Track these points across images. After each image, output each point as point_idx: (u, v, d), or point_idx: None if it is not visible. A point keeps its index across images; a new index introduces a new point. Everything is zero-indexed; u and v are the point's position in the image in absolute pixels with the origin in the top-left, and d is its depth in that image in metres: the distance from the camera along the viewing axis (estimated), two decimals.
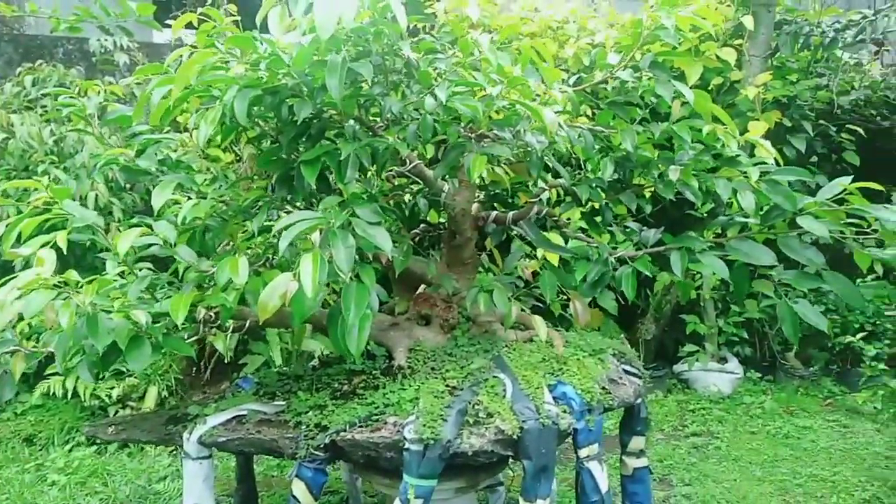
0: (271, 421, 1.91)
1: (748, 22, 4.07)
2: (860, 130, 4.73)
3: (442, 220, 2.44)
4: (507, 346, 2.02)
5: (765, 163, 1.88)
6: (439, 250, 2.18)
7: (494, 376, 1.84)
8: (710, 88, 4.34)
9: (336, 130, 1.85)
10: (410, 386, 1.83)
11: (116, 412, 3.78)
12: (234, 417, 1.93)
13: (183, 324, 1.83)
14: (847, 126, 4.75)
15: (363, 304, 1.51)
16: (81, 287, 1.46)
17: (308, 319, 1.95)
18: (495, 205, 2.33)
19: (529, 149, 1.92)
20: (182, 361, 3.97)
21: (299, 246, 1.72)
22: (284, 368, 2.29)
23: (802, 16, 4.67)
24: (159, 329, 1.64)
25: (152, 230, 1.74)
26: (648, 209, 2.21)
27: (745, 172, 1.86)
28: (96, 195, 3.58)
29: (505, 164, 2.26)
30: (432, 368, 1.94)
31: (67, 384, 3.54)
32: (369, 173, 2.03)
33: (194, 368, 3.98)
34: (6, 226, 1.58)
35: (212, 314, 1.89)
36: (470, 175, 1.66)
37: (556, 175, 2.16)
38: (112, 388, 3.75)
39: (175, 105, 1.81)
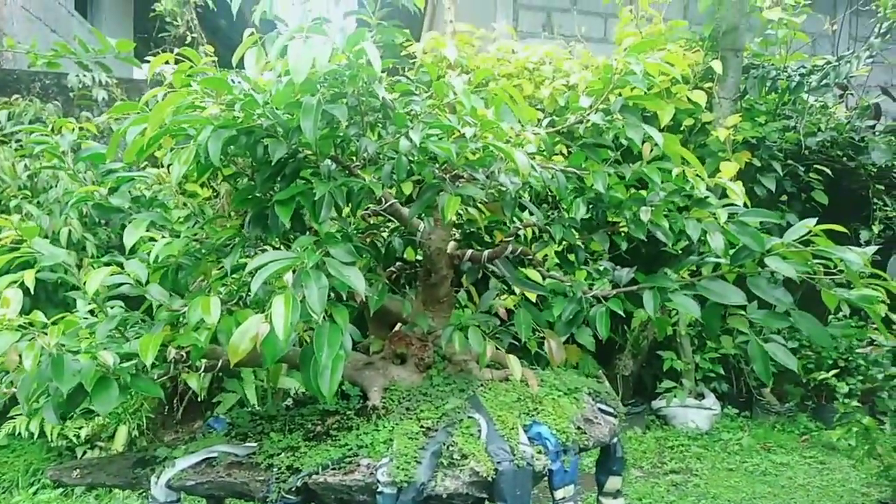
0: (242, 463, 1.87)
1: (717, 66, 4.20)
2: (827, 171, 4.87)
3: (418, 257, 2.45)
4: (482, 385, 2.01)
5: (734, 204, 1.92)
6: (415, 289, 2.18)
7: (469, 416, 1.83)
8: (682, 129, 4.46)
9: (311, 170, 1.87)
10: (384, 427, 1.81)
11: (84, 453, 3.68)
12: (204, 460, 1.89)
13: (153, 363, 1.81)
14: (815, 166, 4.88)
15: (336, 344, 1.50)
16: (47, 328, 1.43)
17: (281, 359, 1.94)
18: (472, 243, 2.34)
19: (503, 189, 1.95)
20: (154, 400, 3.88)
21: (273, 284, 1.72)
22: (258, 408, 2.25)
23: (769, 60, 4.83)
24: (127, 370, 1.61)
25: (123, 269, 1.73)
26: (624, 246, 2.25)
27: (714, 214, 1.90)
28: (69, 231, 3.54)
29: (481, 203, 2.28)
30: (407, 409, 1.92)
31: (33, 425, 3.44)
32: (345, 212, 2.03)
33: (166, 407, 3.90)
34: None
35: (183, 353, 1.86)
36: (444, 215, 1.67)
37: (532, 213, 2.19)
38: (80, 427, 3.66)
39: (150, 144, 1.82)
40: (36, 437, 3.58)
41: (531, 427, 1.83)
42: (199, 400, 3.73)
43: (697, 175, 1.91)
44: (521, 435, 1.77)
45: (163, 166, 3.17)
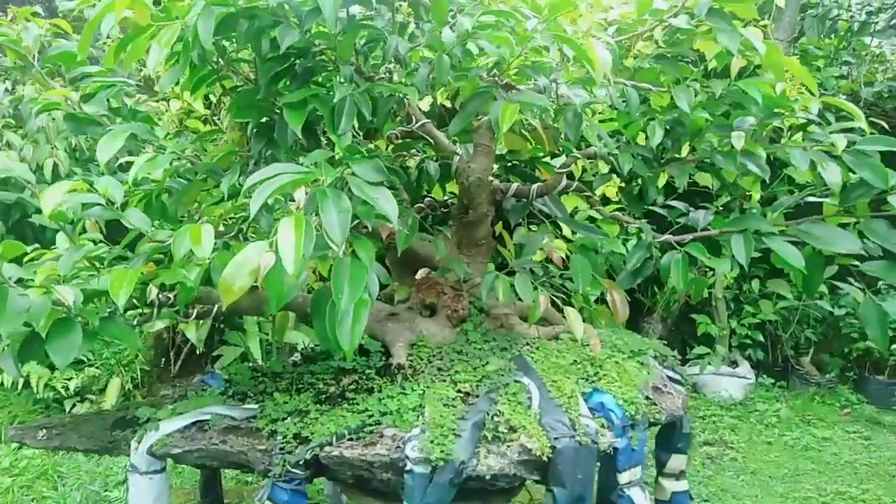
0: (240, 428, 1.56)
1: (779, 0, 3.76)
2: (883, 124, 4.45)
3: (449, 196, 2.09)
4: (528, 343, 1.68)
5: (850, 130, 1.55)
6: (448, 228, 1.83)
7: (516, 381, 1.50)
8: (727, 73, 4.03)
9: (328, 74, 1.51)
10: (413, 390, 1.49)
11: (73, 405, 3.41)
12: (194, 423, 1.58)
13: (134, 307, 1.48)
14: (870, 119, 4.46)
15: (359, 285, 1.16)
16: None
17: (288, 305, 1.60)
18: (510, 178, 1.98)
19: (563, 105, 1.58)
20: (149, 351, 3.59)
21: (280, 212, 1.38)
22: (261, 364, 1.93)
23: None
24: (96, 311, 1.28)
25: (93, 188, 1.38)
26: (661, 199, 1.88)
27: (818, 141, 1.54)
28: (55, 163, 3.19)
29: (527, 128, 1.92)
30: (439, 369, 1.59)
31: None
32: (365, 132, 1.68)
33: (163, 360, 3.61)
34: None
35: (170, 296, 1.53)
36: (498, 128, 1.31)
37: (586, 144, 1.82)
38: (70, 378, 3.37)
39: (131, 39, 1.45)
40: (21, 387, 3.30)
41: (591, 395, 1.50)
42: (197, 353, 3.43)
43: (807, 90, 1.54)
44: (582, 405, 1.44)
45: (164, 100, 2.77)
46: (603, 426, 1.44)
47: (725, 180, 1.78)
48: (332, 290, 1.14)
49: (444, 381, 1.53)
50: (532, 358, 1.60)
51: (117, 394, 3.38)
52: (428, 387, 1.50)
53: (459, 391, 1.47)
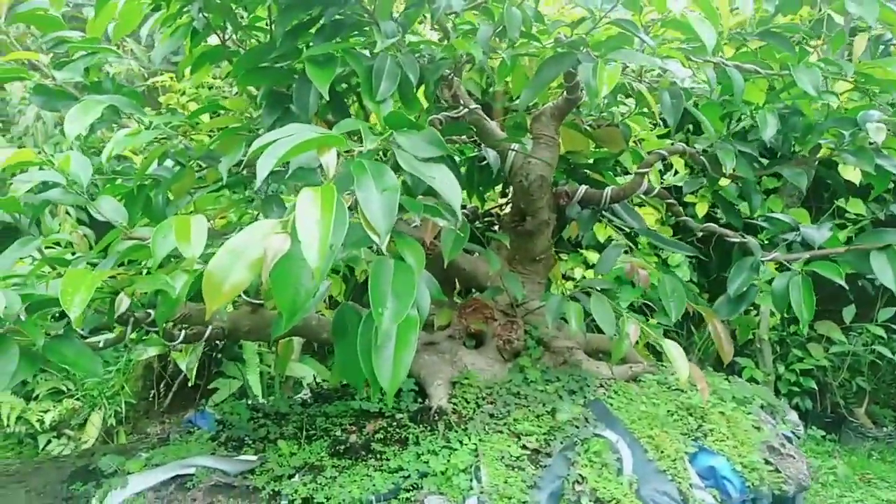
0: (233, 487, 1.19)
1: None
2: None
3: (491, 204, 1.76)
4: (602, 386, 1.32)
5: None
6: (501, 238, 1.48)
7: (597, 435, 1.14)
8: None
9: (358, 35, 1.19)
10: (462, 444, 1.13)
11: (48, 442, 3.03)
12: (173, 478, 1.21)
13: (94, 314, 1.13)
14: None
15: (407, 298, 0.81)
16: None
17: (297, 328, 1.25)
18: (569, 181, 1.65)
19: (655, 87, 1.26)
20: (137, 382, 3.22)
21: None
22: (261, 401, 1.57)
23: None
24: (41, 325, 0.93)
25: (52, 164, 1.05)
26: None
27: None
28: None
29: (592, 124, 1.60)
30: (491, 415, 1.23)
31: None
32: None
33: (152, 392, 3.23)
34: None
35: (147, 312, 1.18)
36: (593, 94, 0.98)
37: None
38: (45, 411, 3.00)
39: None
40: None
41: (697, 457, 1.14)
42: (190, 385, 3.06)
43: None
44: (691, 471, 1.08)
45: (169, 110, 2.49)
46: (715, 499, 1.07)
47: (842, 185, 1.45)
48: (371, 300, 0.79)
49: (502, 432, 1.17)
50: (612, 405, 1.24)
51: (99, 430, 3.01)
52: (481, 439, 1.14)
53: (524, 447, 1.10)
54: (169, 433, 1.47)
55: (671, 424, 1.18)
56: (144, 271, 1.16)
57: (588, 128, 1.60)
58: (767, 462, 1.17)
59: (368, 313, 0.84)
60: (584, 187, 1.44)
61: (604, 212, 1.49)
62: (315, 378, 2.54)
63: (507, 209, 1.52)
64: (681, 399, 1.26)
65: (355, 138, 0.89)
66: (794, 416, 4.17)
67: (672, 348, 1.11)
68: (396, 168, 0.90)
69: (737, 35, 1.45)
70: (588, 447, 1.10)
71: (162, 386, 3.17)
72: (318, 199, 0.70)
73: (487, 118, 1.40)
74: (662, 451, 1.09)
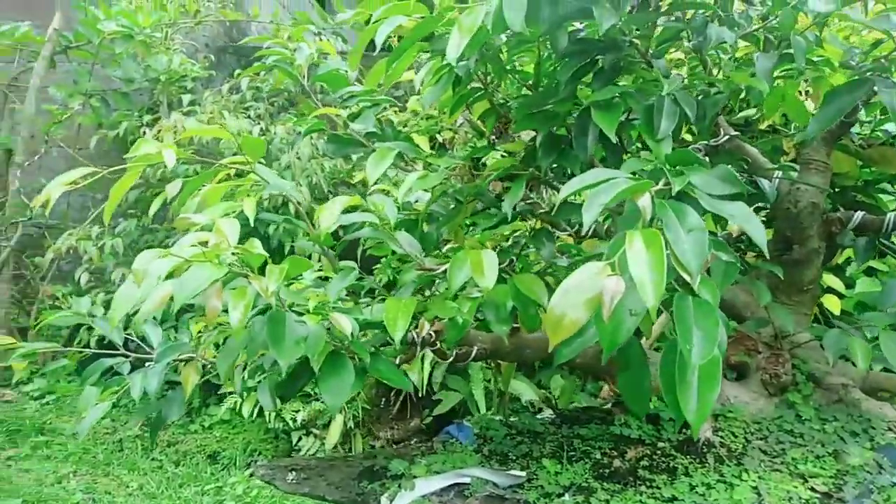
0: (504, 499, 1.29)
1: None
2: None
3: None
4: (891, 429, 1.22)
5: None
6: (767, 267, 1.43)
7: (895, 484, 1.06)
8: None
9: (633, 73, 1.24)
10: (740, 479, 1.12)
11: (299, 439, 3.44)
12: (452, 485, 1.34)
13: (387, 343, 1.30)
14: None
15: (712, 336, 0.84)
16: (267, 268, 0.94)
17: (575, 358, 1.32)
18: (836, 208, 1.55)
19: None
20: (370, 390, 3.55)
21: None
22: (512, 419, 1.67)
23: None
24: (363, 346, 1.10)
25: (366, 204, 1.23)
26: None
27: None
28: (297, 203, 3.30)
29: (861, 143, 1.50)
30: (764, 452, 1.20)
31: (245, 407, 3.24)
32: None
33: (383, 400, 3.54)
34: (182, 184, 1.14)
35: (431, 333, 1.33)
36: None
37: None
38: (297, 411, 3.41)
39: (404, 49, 1.32)
40: (255, 415, 3.39)
41: None
42: (418, 396, 3.30)
43: None
44: None
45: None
46: None
47: None
48: (678, 337, 0.83)
49: (780, 471, 1.14)
50: None
51: (340, 431, 3.35)
52: (760, 477, 1.11)
53: (812, 489, 1.06)
54: (433, 443, 1.61)
55: None
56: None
57: (858, 148, 1.50)
58: None
59: (668, 345, 0.89)
60: (860, 213, 1.35)
61: (883, 240, 1.38)
62: (536, 396, 2.61)
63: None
64: None
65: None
66: None
67: None
68: None
69: None
70: (889, 496, 1.03)
71: (392, 395, 3.45)
72: (645, 240, 0.76)
73: (748, 145, 1.38)
74: None
